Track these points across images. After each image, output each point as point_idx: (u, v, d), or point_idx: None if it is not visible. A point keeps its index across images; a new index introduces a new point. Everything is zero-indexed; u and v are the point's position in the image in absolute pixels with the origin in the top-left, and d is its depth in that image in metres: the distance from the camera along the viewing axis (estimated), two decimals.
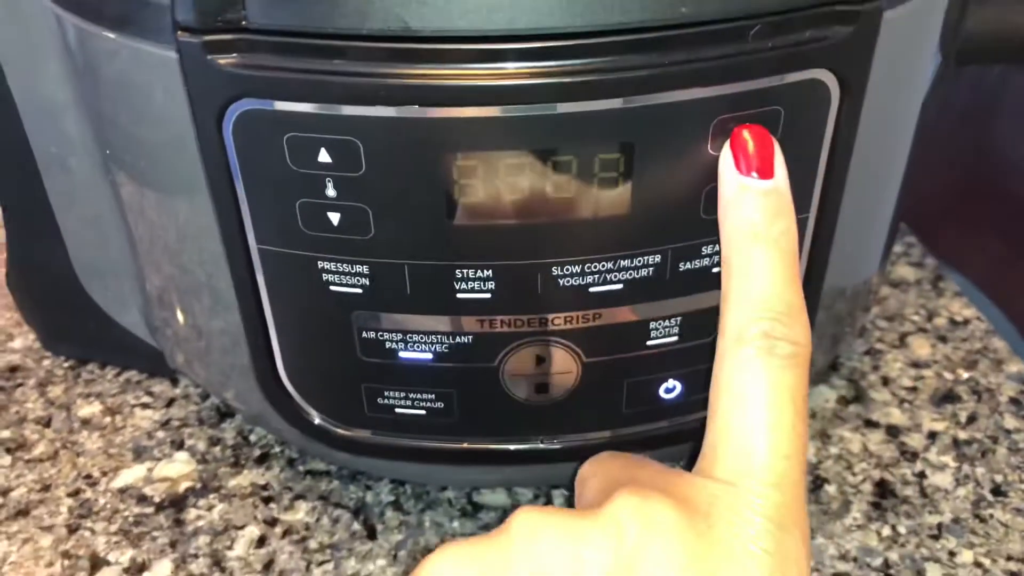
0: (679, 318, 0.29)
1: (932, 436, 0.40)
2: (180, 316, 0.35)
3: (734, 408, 0.23)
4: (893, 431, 0.41)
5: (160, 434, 0.41)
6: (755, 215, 0.24)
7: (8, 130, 0.36)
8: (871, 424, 0.41)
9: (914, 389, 0.43)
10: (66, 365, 0.45)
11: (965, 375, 0.44)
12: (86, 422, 0.42)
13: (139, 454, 0.40)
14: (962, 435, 0.41)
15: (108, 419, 0.42)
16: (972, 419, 0.41)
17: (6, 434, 0.41)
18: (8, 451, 0.40)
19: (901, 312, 0.48)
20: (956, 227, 0.53)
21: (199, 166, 0.27)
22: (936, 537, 0.36)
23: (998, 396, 0.43)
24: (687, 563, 0.21)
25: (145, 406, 0.43)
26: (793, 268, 0.24)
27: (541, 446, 0.31)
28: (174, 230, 0.31)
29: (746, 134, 0.25)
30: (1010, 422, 0.41)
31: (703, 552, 0.21)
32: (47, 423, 0.42)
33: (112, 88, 0.29)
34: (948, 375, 0.44)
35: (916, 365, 0.44)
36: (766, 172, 0.25)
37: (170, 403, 0.43)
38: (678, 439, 0.32)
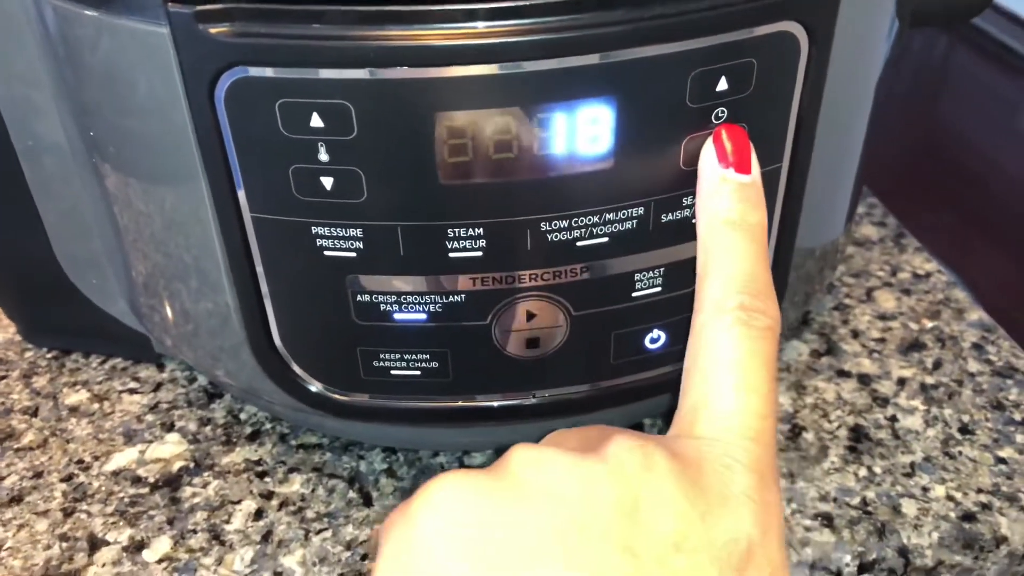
0: (662, 269, 0.30)
1: (901, 382, 0.42)
2: (168, 297, 0.35)
3: (714, 372, 0.25)
4: (864, 379, 0.42)
5: (149, 417, 0.41)
6: (735, 204, 0.26)
7: None
8: (843, 374, 0.43)
9: (882, 340, 0.45)
10: (49, 356, 0.45)
11: (929, 324, 0.46)
12: (74, 410, 0.42)
13: (130, 438, 0.40)
14: (929, 380, 0.42)
15: (96, 406, 0.42)
16: (938, 365, 0.43)
17: None
18: None
19: (866, 268, 0.50)
20: (907, 197, 0.55)
21: (189, 140, 0.28)
22: (910, 475, 0.38)
23: (961, 343, 0.44)
24: (685, 505, 0.22)
25: (132, 391, 0.43)
26: (766, 257, 0.26)
27: (533, 401, 0.32)
28: (163, 209, 0.32)
29: (726, 133, 0.27)
30: (973, 366, 0.43)
31: (697, 496, 0.23)
32: (34, 412, 0.42)
33: (95, 67, 0.29)
34: (913, 325, 0.46)
35: (883, 317, 0.46)
36: (744, 168, 0.27)
37: (157, 387, 0.43)
38: (664, 389, 0.34)
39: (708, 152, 0.27)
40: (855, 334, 0.45)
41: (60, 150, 0.35)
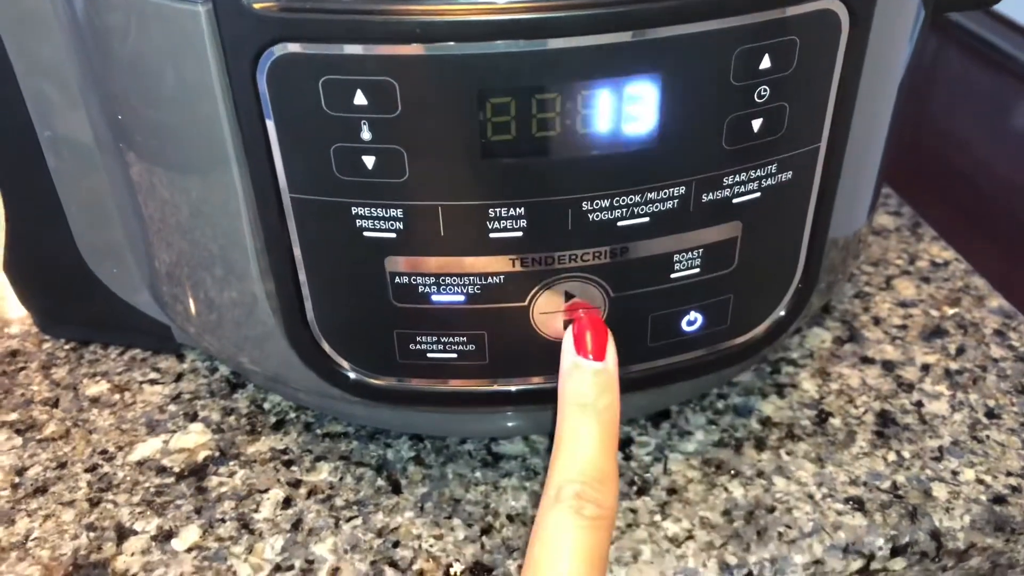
0: (701, 249, 0.30)
1: (925, 368, 0.42)
2: (193, 285, 0.35)
3: (544, 557, 0.26)
4: (888, 366, 0.42)
5: (172, 408, 0.41)
6: (586, 388, 0.29)
7: (8, 105, 0.35)
8: (867, 360, 0.43)
9: (904, 327, 0.45)
10: (67, 347, 0.45)
11: (950, 311, 0.46)
12: (95, 400, 0.42)
13: (153, 428, 0.40)
14: (953, 366, 0.42)
15: (117, 396, 0.42)
16: (961, 351, 0.43)
17: (14, 416, 0.41)
18: (18, 432, 0.40)
19: (884, 257, 0.50)
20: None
21: (221, 122, 0.28)
22: (938, 459, 0.38)
23: (983, 329, 0.45)
24: None
25: (153, 382, 0.43)
26: (612, 440, 0.28)
27: None
28: (190, 196, 0.31)
29: (585, 322, 0.30)
30: (996, 351, 0.43)
31: None
32: (55, 404, 0.42)
33: (125, 50, 0.29)
34: (934, 312, 0.46)
35: (903, 305, 0.46)
36: (599, 355, 0.29)
37: (179, 378, 0.43)
38: (695, 372, 0.34)
39: (567, 340, 0.30)
40: (876, 321, 0.45)
41: (84, 138, 0.35)
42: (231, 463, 0.38)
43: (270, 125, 0.27)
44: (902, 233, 0.52)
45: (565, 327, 0.30)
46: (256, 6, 0.24)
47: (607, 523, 0.27)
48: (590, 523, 0.26)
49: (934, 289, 0.47)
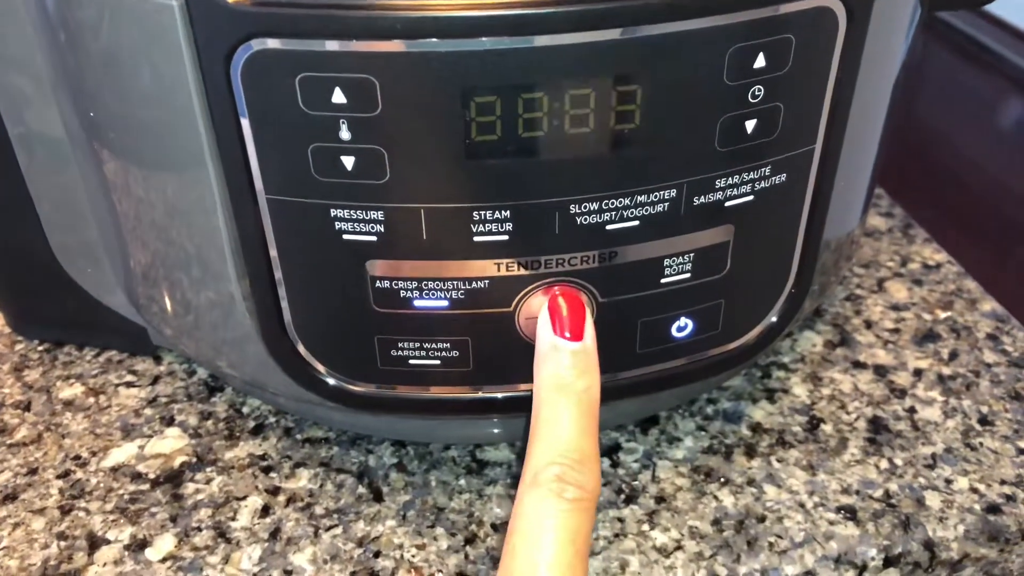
0: (692, 254, 0.29)
1: (918, 373, 0.42)
2: (169, 286, 0.34)
3: (523, 543, 0.25)
4: (880, 370, 0.42)
5: (148, 411, 0.40)
6: (564, 370, 0.27)
7: None
8: (859, 365, 0.42)
9: (896, 331, 0.44)
10: (41, 348, 0.44)
11: (943, 315, 0.45)
12: (68, 404, 0.40)
13: (128, 432, 0.39)
14: (946, 371, 0.42)
15: (92, 400, 0.41)
16: (954, 355, 0.43)
17: None
18: None
19: (876, 259, 0.49)
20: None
21: (196, 120, 0.27)
22: (931, 467, 0.37)
23: (976, 333, 0.44)
24: None
25: (129, 385, 0.41)
26: (592, 421, 0.27)
27: None
28: (165, 195, 0.30)
29: (562, 300, 0.28)
30: (989, 356, 0.43)
31: None
32: (27, 407, 0.40)
33: (96, 45, 0.28)
34: (927, 316, 0.45)
35: (896, 308, 0.46)
36: (577, 334, 0.28)
37: (155, 380, 0.42)
38: (686, 379, 0.33)
39: (543, 319, 0.28)
40: (868, 325, 0.44)
41: (56, 135, 0.34)
42: (208, 469, 0.37)
43: (245, 124, 0.26)
44: (894, 235, 0.51)
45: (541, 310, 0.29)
46: (230, 0, 0.23)
47: (590, 505, 0.25)
48: (572, 505, 0.25)
49: (926, 292, 0.47)
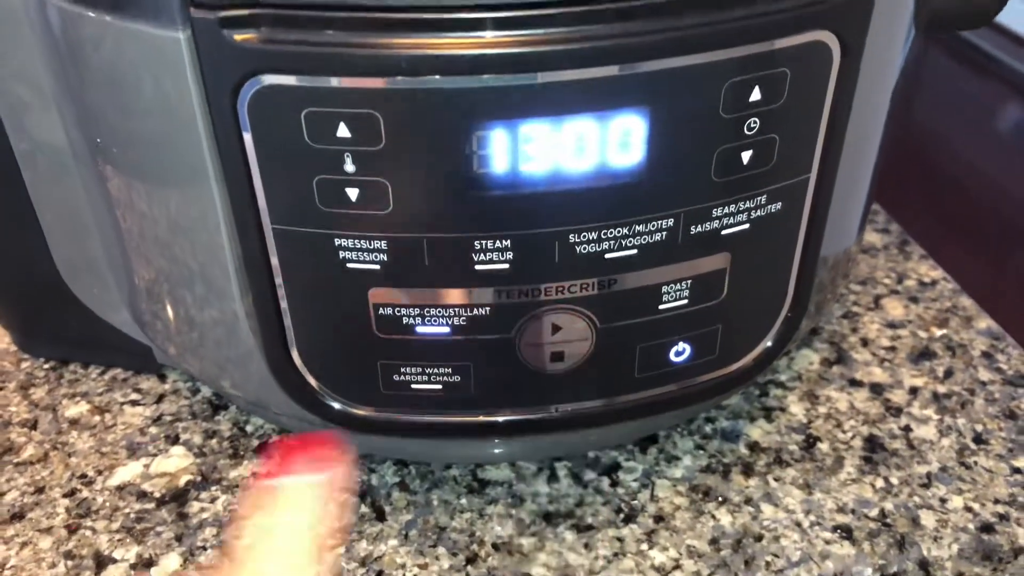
0: (689, 281, 0.29)
1: (913, 391, 0.42)
2: (174, 306, 0.35)
3: None
4: (876, 388, 0.42)
5: (153, 430, 0.40)
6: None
7: None
8: (855, 383, 0.43)
9: (892, 348, 0.45)
10: (47, 366, 0.44)
11: (938, 333, 0.46)
12: (74, 422, 0.41)
13: (133, 451, 0.39)
14: (941, 389, 0.42)
15: (97, 418, 0.41)
16: (949, 374, 0.43)
17: None
18: None
19: (872, 276, 0.49)
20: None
21: (201, 148, 0.27)
22: (926, 486, 0.37)
23: (971, 351, 0.44)
24: None
25: (134, 403, 0.42)
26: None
27: (554, 414, 0.32)
28: (172, 218, 0.31)
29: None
30: (984, 375, 0.43)
31: None
32: (33, 425, 0.41)
33: (103, 73, 0.29)
34: (922, 333, 0.45)
35: (892, 325, 0.46)
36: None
37: (160, 399, 0.42)
38: (683, 402, 0.33)
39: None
40: (865, 342, 0.45)
41: (61, 154, 0.34)
42: (213, 488, 0.38)
43: (251, 156, 0.26)
44: (890, 251, 0.51)
45: (552, 359, 0.29)
46: (237, 37, 0.24)
47: None
48: None
49: (922, 309, 0.47)
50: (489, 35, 0.24)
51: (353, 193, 0.26)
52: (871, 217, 0.54)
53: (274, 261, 0.28)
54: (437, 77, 0.24)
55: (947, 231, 0.64)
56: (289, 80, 0.24)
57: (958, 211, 0.68)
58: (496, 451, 0.37)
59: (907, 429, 0.40)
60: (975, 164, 0.74)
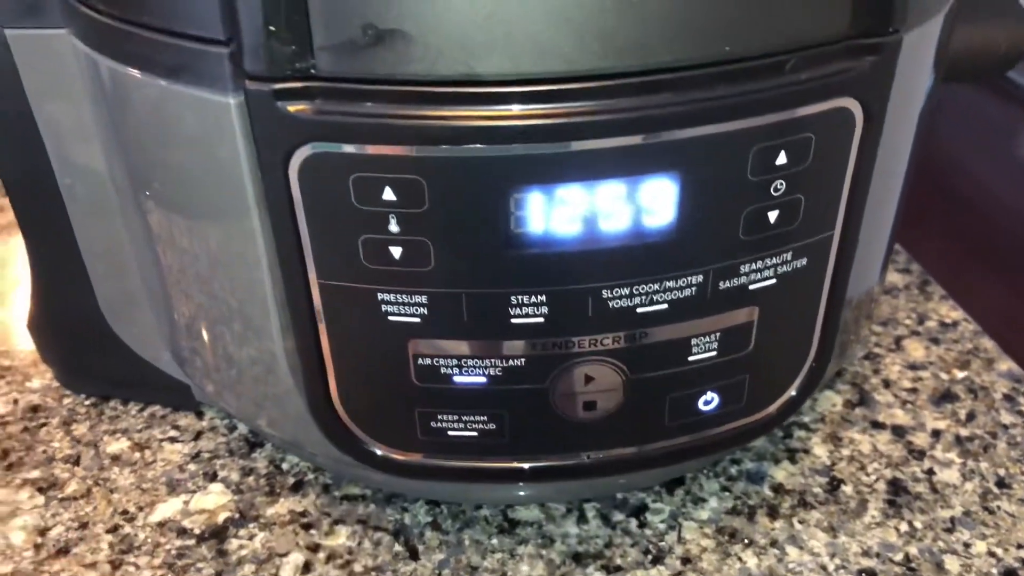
0: (718, 333, 0.30)
1: (936, 434, 0.43)
2: (214, 346, 0.36)
3: None
4: (899, 431, 0.43)
5: (192, 467, 0.42)
6: None
7: (34, 167, 0.36)
8: (878, 425, 0.43)
9: (914, 390, 0.45)
10: (88, 403, 0.45)
11: (960, 375, 0.46)
12: (116, 458, 0.42)
13: (173, 488, 0.41)
14: (963, 432, 0.43)
15: (137, 454, 0.42)
16: (971, 416, 0.44)
17: (36, 474, 0.41)
18: (40, 491, 0.41)
19: (894, 316, 0.50)
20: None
21: (252, 207, 0.29)
22: (950, 530, 0.38)
23: (993, 393, 0.45)
24: None
25: (173, 440, 0.43)
26: None
27: (586, 461, 0.33)
28: (220, 267, 0.32)
29: None
30: (1006, 417, 0.44)
31: None
32: (76, 461, 0.42)
33: (158, 133, 0.30)
34: (944, 375, 0.46)
35: (913, 367, 0.47)
36: None
37: (198, 436, 0.43)
38: (713, 449, 0.34)
39: None
40: (887, 384, 0.46)
41: (109, 200, 0.36)
42: (251, 525, 0.39)
43: (300, 216, 0.27)
44: (911, 291, 0.52)
45: (584, 408, 0.31)
46: (291, 108, 0.25)
47: None
48: None
49: (943, 351, 0.48)
50: (526, 107, 0.25)
51: (396, 251, 0.27)
52: (892, 257, 0.55)
53: (319, 313, 0.30)
54: (479, 146, 0.25)
55: (965, 255, 0.64)
56: (339, 147, 0.26)
57: (977, 236, 0.68)
58: (522, 493, 0.38)
59: (930, 472, 0.41)
60: (994, 189, 0.75)
